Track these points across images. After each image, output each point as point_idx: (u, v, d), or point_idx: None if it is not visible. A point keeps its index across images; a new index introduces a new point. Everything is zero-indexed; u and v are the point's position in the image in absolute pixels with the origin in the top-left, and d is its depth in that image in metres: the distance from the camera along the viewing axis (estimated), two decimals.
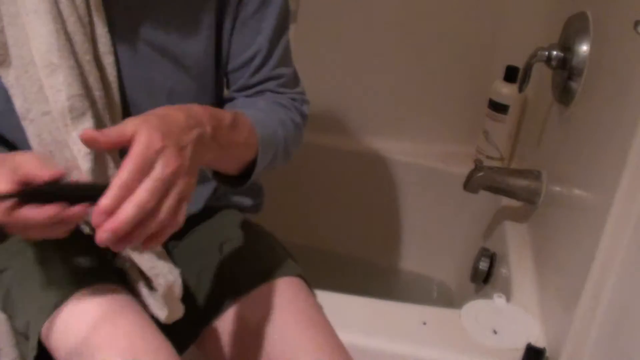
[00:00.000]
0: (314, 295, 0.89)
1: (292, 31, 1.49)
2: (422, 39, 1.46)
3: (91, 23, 0.73)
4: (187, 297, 0.85)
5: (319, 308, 0.86)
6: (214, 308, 0.84)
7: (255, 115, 0.80)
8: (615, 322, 0.79)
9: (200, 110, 0.67)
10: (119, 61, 0.77)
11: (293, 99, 0.91)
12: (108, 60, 0.75)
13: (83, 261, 0.78)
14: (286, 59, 0.91)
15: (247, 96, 0.89)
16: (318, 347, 0.79)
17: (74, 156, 0.70)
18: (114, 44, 0.76)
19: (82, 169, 0.70)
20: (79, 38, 0.71)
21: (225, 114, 0.72)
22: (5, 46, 0.70)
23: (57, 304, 0.73)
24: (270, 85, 0.89)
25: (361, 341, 0.95)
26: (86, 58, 0.72)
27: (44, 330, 0.73)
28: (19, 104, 0.71)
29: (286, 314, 0.81)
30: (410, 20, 1.45)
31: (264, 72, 0.88)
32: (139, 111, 0.80)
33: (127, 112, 0.79)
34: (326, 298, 1.00)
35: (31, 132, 0.72)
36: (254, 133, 0.77)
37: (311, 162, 1.55)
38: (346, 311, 0.99)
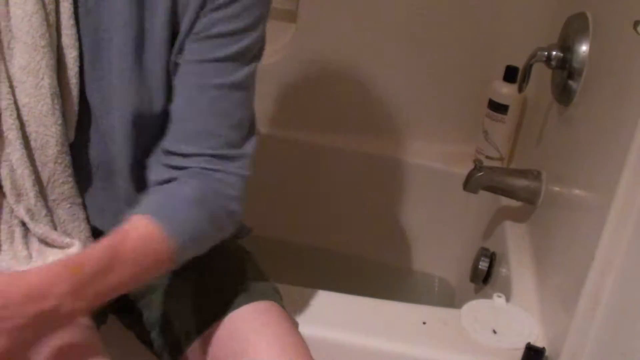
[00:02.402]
0: (288, 318, 0.84)
1: (292, 31, 1.50)
2: (421, 39, 1.46)
3: (57, 10, 0.73)
4: (159, 327, 0.84)
5: (292, 331, 0.82)
6: (184, 339, 0.83)
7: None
8: (615, 322, 0.79)
9: (49, 278, 0.61)
10: (85, 59, 0.76)
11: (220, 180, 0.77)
12: (70, 55, 0.75)
13: None
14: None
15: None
16: None
17: None
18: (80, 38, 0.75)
19: None
20: (35, 20, 0.71)
21: (89, 265, 0.63)
22: None
23: None
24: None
25: (361, 341, 0.95)
26: (41, 43, 0.71)
27: None
28: None
29: (256, 340, 0.78)
30: (410, 21, 1.45)
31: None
32: (95, 116, 0.78)
33: (84, 113, 0.78)
34: (326, 298, 1.00)
35: None
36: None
37: (311, 162, 1.55)
38: (346, 311, 0.99)
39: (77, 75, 0.75)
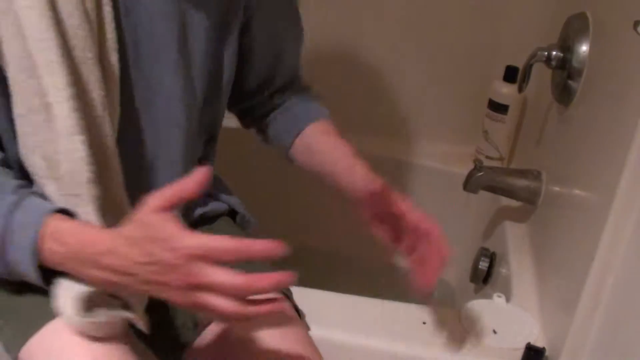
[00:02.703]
0: (293, 310, 0.86)
1: None
2: (421, 39, 1.46)
3: (99, 16, 0.71)
4: (162, 323, 0.83)
5: (297, 322, 0.83)
6: (189, 333, 0.83)
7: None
8: (615, 322, 0.79)
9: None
10: (128, 60, 0.75)
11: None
12: (112, 59, 0.73)
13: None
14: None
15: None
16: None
17: (71, 160, 0.68)
18: (121, 42, 0.74)
19: (78, 177, 0.68)
20: (81, 33, 0.68)
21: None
22: None
23: (33, 330, 0.71)
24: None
25: (361, 341, 0.95)
26: (88, 56, 0.69)
27: (24, 353, 0.71)
28: (14, 98, 0.68)
29: (260, 331, 0.79)
30: (410, 21, 1.45)
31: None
32: (141, 114, 0.78)
33: (127, 114, 0.76)
34: (326, 298, 1.01)
35: (20, 127, 0.69)
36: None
37: None
38: (346, 311, 0.99)
39: (119, 77, 0.73)
